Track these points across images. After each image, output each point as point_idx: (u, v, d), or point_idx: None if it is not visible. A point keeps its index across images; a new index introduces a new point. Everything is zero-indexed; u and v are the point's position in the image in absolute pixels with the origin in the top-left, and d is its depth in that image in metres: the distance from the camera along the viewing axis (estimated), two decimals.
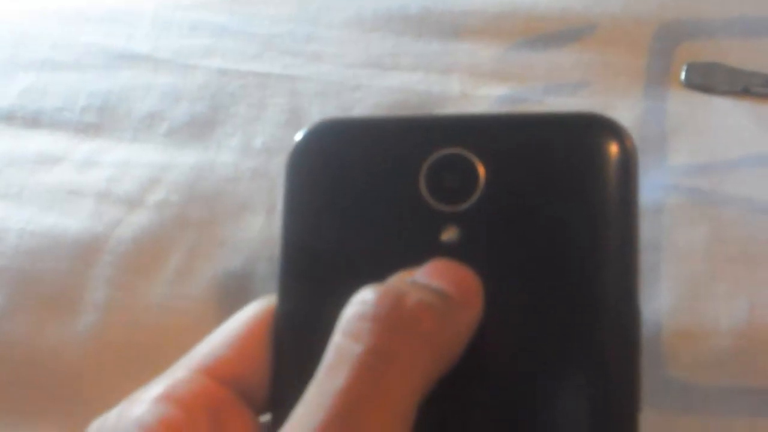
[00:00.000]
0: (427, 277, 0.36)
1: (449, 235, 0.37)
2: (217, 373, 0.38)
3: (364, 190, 0.39)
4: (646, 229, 0.47)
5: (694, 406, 0.44)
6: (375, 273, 0.36)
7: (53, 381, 0.49)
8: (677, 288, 0.46)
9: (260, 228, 0.50)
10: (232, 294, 0.49)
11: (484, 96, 0.53)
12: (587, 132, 0.37)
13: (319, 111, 0.54)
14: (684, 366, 0.44)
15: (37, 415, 0.48)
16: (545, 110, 0.52)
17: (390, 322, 0.34)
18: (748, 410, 0.43)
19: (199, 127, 0.55)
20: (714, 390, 0.44)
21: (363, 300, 0.35)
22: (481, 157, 0.38)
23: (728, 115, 0.52)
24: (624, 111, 0.51)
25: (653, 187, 0.48)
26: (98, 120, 0.56)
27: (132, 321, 0.49)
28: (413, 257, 0.37)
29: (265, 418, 0.38)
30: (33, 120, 0.57)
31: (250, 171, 0.53)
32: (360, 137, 0.40)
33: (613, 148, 0.37)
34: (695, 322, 0.45)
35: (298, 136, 0.40)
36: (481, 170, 0.37)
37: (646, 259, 0.44)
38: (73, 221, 0.52)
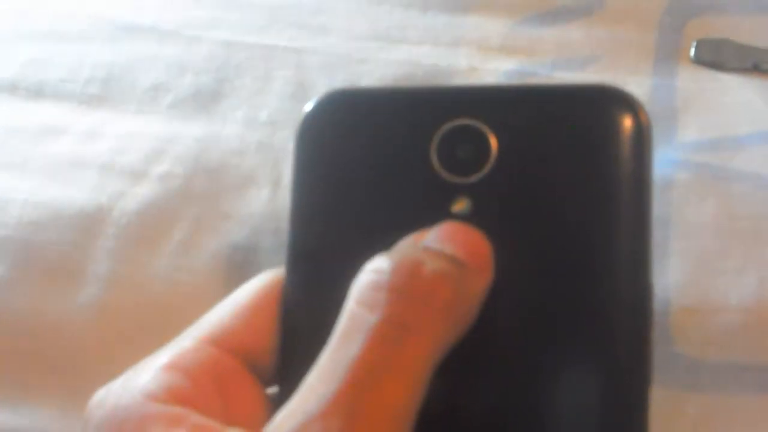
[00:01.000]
0: (438, 241, 0.36)
1: (460, 206, 0.37)
2: (224, 343, 0.38)
3: (375, 161, 0.39)
4: (656, 205, 0.47)
5: (703, 383, 0.44)
6: (385, 244, 0.36)
7: (55, 352, 0.49)
8: (686, 264, 0.46)
9: (265, 201, 0.50)
10: (236, 267, 0.49)
11: (492, 70, 0.53)
12: (601, 104, 0.37)
13: (326, 84, 0.53)
14: (692, 342, 0.44)
15: (39, 387, 0.48)
16: (559, 81, 0.52)
17: (407, 293, 0.34)
18: (756, 386, 0.43)
19: (204, 99, 0.54)
20: (722, 366, 0.44)
21: (378, 268, 0.34)
22: (493, 129, 0.37)
23: (738, 91, 0.51)
24: (633, 87, 0.50)
25: (662, 163, 0.48)
26: (102, 91, 0.56)
27: (135, 293, 0.49)
28: (423, 228, 0.36)
29: (273, 390, 0.38)
30: (36, 91, 0.57)
31: (255, 143, 0.52)
32: (371, 108, 0.40)
33: (627, 120, 0.36)
34: (704, 298, 0.45)
35: (308, 107, 0.40)
36: (493, 141, 0.37)
37: (655, 234, 0.44)
38: (76, 193, 0.52)
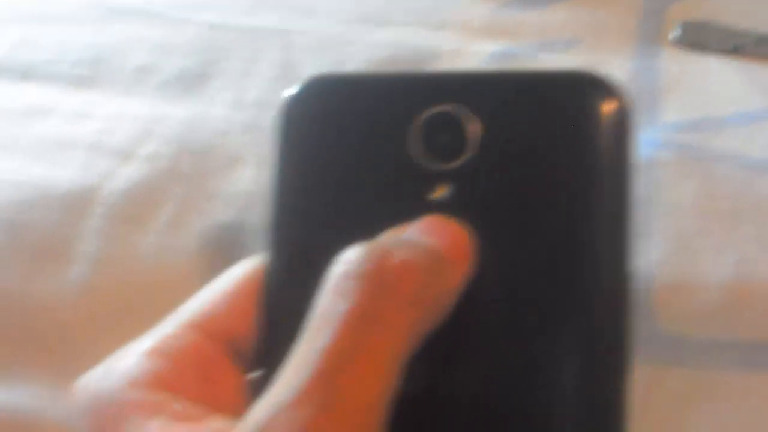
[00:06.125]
0: (416, 233, 0.36)
1: (440, 193, 0.37)
2: (207, 329, 0.37)
3: (355, 147, 0.38)
4: (638, 185, 0.47)
5: (684, 359, 0.44)
6: (365, 231, 0.36)
7: (44, 332, 0.49)
8: (667, 242, 0.46)
9: (251, 181, 0.50)
10: (223, 246, 0.49)
11: (476, 52, 0.53)
12: (582, 90, 0.37)
13: (312, 65, 0.54)
14: (674, 319, 0.45)
15: (29, 364, 0.48)
16: (539, 67, 0.52)
17: (374, 281, 0.33)
18: (737, 362, 0.44)
19: (191, 80, 0.55)
20: (703, 342, 0.44)
21: (348, 259, 0.34)
22: (473, 115, 0.37)
23: (719, 73, 0.52)
24: (616, 68, 0.51)
25: (644, 144, 0.49)
26: (90, 73, 0.56)
27: (123, 273, 0.49)
28: (404, 215, 0.36)
29: (254, 375, 0.39)
30: (24, 72, 0.57)
31: (241, 124, 0.53)
32: (352, 93, 0.40)
33: (609, 107, 0.36)
34: (685, 276, 0.45)
35: (289, 92, 0.40)
36: (473, 128, 0.37)
37: (637, 214, 0.44)
38: (64, 173, 0.52)
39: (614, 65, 0.52)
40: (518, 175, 0.37)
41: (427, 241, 0.35)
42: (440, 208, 0.37)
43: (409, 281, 0.34)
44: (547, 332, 0.35)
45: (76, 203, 0.51)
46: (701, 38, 0.53)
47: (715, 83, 0.51)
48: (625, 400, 0.35)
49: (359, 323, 0.33)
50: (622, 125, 0.36)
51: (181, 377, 0.36)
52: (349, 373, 0.32)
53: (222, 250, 0.49)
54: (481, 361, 0.36)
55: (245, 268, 0.39)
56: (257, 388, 0.35)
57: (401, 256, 0.34)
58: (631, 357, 0.35)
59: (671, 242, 0.46)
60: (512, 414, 0.35)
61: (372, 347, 0.33)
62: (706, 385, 0.44)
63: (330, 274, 0.34)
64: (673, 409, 0.43)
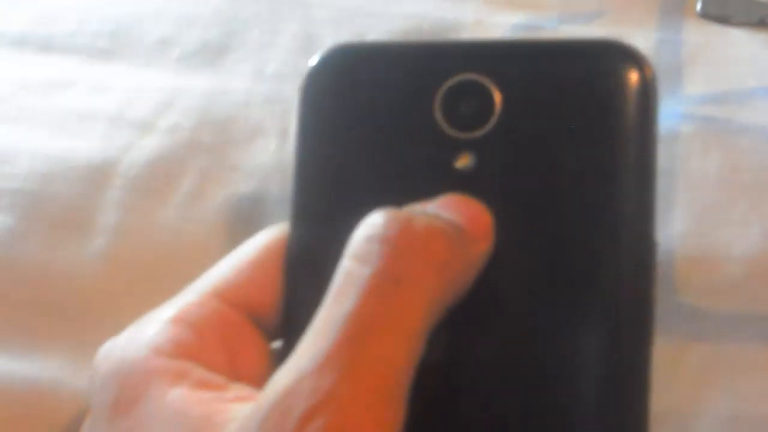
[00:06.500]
0: (438, 208, 0.36)
1: (463, 162, 0.37)
2: (229, 297, 0.38)
3: (379, 116, 0.38)
4: (661, 157, 0.47)
5: (706, 332, 0.44)
6: (388, 199, 0.36)
7: (64, 302, 0.49)
8: (690, 215, 0.46)
9: (272, 152, 0.50)
10: (243, 217, 0.49)
11: (498, 23, 0.53)
12: (606, 59, 0.37)
13: (333, 37, 0.54)
14: (696, 292, 0.44)
15: (49, 336, 0.48)
16: (563, 37, 0.52)
17: (399, 244, 0.33)
18: (759, 337, 0.43)
19: (212, 52, 0.55)
20: (725, 316, 0.44)
21: (372, 222, 0.34)
22: (497, 84, 0.37)
23: (744, 46, 0.51)
24: (639, 40, 0.51)
25: (668, 116, 0.48)
26: (110, 45, 0.56)
27: (143, 244, 0.49)
28: (427, 184, 0.37)
29: (277, 344, 0.38)
30: (44, 45, 0.57)
31: (262, 96, 0.52)
32: (375, 62, 0.40)
33: (633, 77, 0.36)
34: (708, 249, 0.45)
35: (313, 61, 0.40)
36: (497, 96, 0.37)
37: (660, 186, 0.44)
38: (85, 144, 0.52)
39: (638, 37, 0.51)
40: (542, 144, 0.36)
41: (449, 216, 0.35)
42: (464, 176, 0.36)
43: (434, 245, 0.34)
44: (571, 303, 0.35)
45: (96, 175, 0.51)
46: (727, 10, 0.53)
47: (740, 56, 0.51)
48: (648, 372, 0.35)
49: (384, 287, 0.33)
50: (646, 95, 0.36)
51: (203, 345, 0.36)
52: (373, 338, 0.32)
53: (242, 222, 0.49)
54: (505, 334, 0.36)
55: (267, 237, 0.39)
56: (280, 357, 0.36)
57: (426, 221, 0.34)
58: (654, 329, 0.35)
59: (694, 215, 0.46)
60: (534, 387, 0.35)
61: (397, 311, 0.32)
62: (728, 359, 0.43)
63: (353, 238, 0.34)
64: (693, 382, 0.43)
